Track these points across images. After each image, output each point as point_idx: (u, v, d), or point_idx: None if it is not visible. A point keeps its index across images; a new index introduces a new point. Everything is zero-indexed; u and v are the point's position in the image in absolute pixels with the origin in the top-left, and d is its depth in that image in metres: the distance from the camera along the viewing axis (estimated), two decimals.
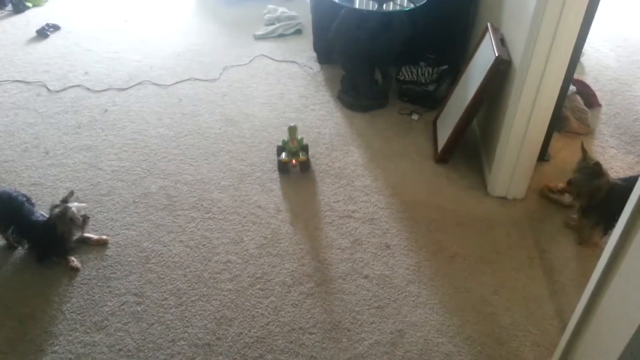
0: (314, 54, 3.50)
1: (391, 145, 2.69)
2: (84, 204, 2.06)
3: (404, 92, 3.04)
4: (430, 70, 3.05)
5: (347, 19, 2.82)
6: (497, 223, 2.23)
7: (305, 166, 2.51)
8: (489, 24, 2.48)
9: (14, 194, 2.02)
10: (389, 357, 1.72)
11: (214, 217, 2.26)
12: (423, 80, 3.02)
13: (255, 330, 1.79)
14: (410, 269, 2.02)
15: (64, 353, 1.69)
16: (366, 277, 1.99)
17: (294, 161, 2.47)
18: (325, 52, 3.37)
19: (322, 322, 1.82)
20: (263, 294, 1.92)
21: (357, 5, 2.73)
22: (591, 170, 2.00)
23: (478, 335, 1.79)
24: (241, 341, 1.75)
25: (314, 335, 1.78)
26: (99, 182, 2.44)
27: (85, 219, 2.01)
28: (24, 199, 2.03)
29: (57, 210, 1.93)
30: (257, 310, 1.86)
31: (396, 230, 2.19)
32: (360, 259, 2.06)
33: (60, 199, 2.00)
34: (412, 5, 2.67)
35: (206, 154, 2.64)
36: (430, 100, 2.98)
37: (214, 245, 2.12)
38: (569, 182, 2.09)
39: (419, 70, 3.04)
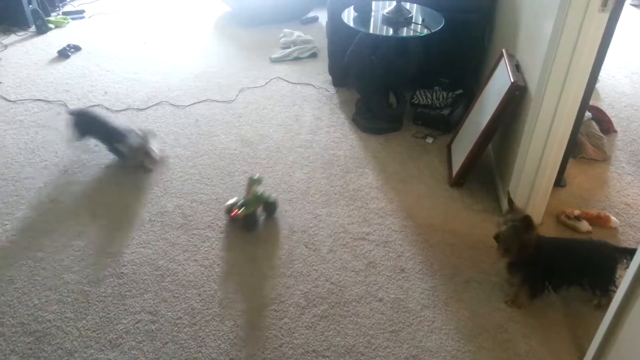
0: (329, 77, 3.55)
1: (406, 168, 2.70)
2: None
3: (419, 116, 3.06)
4: (444, 94, 3.07)
5: (363, 44, 2.87)
6: None
7: (249, 224, 2.28)
8: (504, 50, 2.51)
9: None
10: None
11: (228, 237, 2.27)
12: (437, 104, 3.05)
13: (268, 352, 1.78)
14: (425, 293, 2.01)
15: None
16: (380, 300, 1.98)
17: (234, 211, 2.27)
18: (341, 76, 3.42)
19: (335, 346, 1.81)
20: (277, 315, 1.92)
21: (372, 30, 2.77)
22: (520, 223, 1.79)
23: None
24: None
25: (327, 359, 1.77)
26: (115, 200, 2.47)
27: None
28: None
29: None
30: (270, 331, 1.86)
31: (411, 253, 2.19)
32: (375, 282, 2.05)
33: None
34: (427, 31, 2.71)
35: (222, 174, 2.67)
36: (444, 124, 2.99)
37: (229, 265, 2.13)
38: (496, 237, 1.84)
39: (434, 94, 3.06)
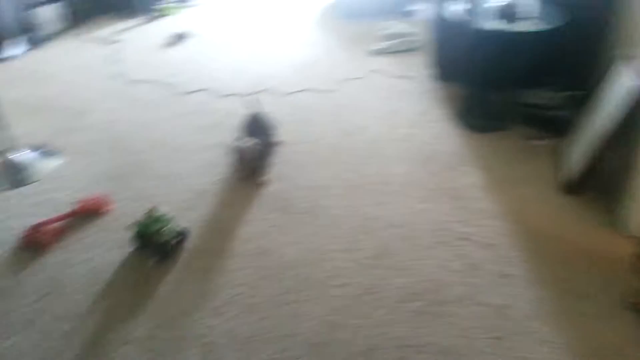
0: (432, 71, 3.46)
1: (513, 171, 2.57)
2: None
3: (530, 116, 2.90)
4: (558, 94, 2.89)
5: (473, 38, 2.76)
6: (636, 268, 2.03)
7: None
8: (628, 51, 2.31)
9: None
10: None
11: (326, 223, 2.29)
12: (550, 105, 2.87)
13: (361, 340, 1.77)
14: (531, 303, 1.90)
15: (186, 332, 1.79)
16: (481, 304, 1.90)
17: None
18: (445, 70, 3.33)
19: (432, 344, 1.76)
20: (373, 305, 1.90)
21: (485, 25, 2.67)
22: None
23: None
24: (350, 348, 1.74)
25: (423, 355, 1.73)
26: (221, 178, 2.57)
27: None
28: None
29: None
30: (366, 320, 1.84)
31: (517, 259, 2.08)
32: (476, 285, 1.97)
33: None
34: (544, 26, 2.55)
35: (321, 162, 2.69)
36: (556, 126, 2.81)
37: (325, 251, 2.15)
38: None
39: (547, 94, 2.89)
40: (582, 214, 2.29)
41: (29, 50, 4.02)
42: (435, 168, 2.62)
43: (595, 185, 2.40)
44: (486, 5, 2.81)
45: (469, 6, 2.79)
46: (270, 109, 3.16)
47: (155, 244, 2.06)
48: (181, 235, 2.14)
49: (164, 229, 2.08)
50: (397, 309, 1.88)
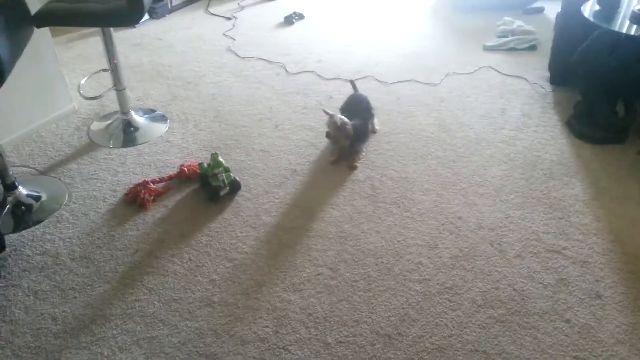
0: (547, 74, 3.27)
1: (623, 187, 2.38)
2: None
3: None
4: None
5: (601, 41, 2.57)
6: None
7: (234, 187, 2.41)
8: None
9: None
10: None
11: (412, 217, 2.28)
12: None
13: (436, 338, 1.77)
14: (621, 327, 1.78)
15: (264, 302, 1.89)
16: (567, 321, 1.81)
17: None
18: (563, 73, 3.13)
19: (509, 354, 1.71)
20: (450, 306, 1.88)
21: (614, 27, 2.46)
22: None
23: None
24: (421, 344, 1.75)
25: None
26: (315, 160, 2.64)
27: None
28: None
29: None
30: (441, 319, 1.83)
31: (612, 281, 1.94)
32: (564, 301, 1.88)
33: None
34: None
35: (415, 154, 2.67)
36: None
37: (408, 244, 2.14)
38: None
39: None
40: None
41: (152, 19, 4.36)
42: (536, 175, 2.49)
43: None
44: (623, 9, 2.59)
45: (602, 7, 2.58)
46: (372, 96, 3.19)
47: (209, 186, 2.33)
48: (233, 185, 2.37)
49: (219, 175, 2.31)
50: (475, 313, 1.85)
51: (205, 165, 2.40)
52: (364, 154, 2.65)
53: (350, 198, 2.39)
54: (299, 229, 2.22)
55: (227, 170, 2.36)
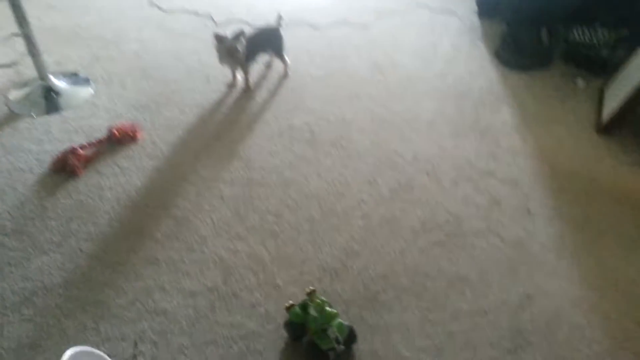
0: (475, 7, 3.31)
1: (548, 110, 2.50)
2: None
3: (572, 55, 2.77)
4: (606, 32, 2.72)
5: None
6: None
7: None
8: None
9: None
10: (513, 318, 1.66)
11: (351, 156, 2.31)
12: (596, 44, 2.72)
13: (380, 267, 1.84)
14: (550, 238, 1.91)
15: (210, 254, 1.89)
16: (500, 238, 1.92)
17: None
18: (490, 6, 3.18)
19: (447, 273, 1.81)
20: (392, 236, 1.95)
21: None
22: None
23: (618, 315, 1.66)
24: (366, 274, 1.81)
25: (437, 283, 1.78)
26: (251, 110, 2.60)
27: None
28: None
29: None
30: (384, 249, 1.90)
31: (540, 196, 2.06)
32: (497, 220, 1.98)
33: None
34: None
35: (350, 96, 2.68)
36: (600, 66, 2.68)
37: (349, 183, 2.18)
38: None
39: (594, 32, 2.73)
40: (614, 154, 2.23)
41: None
42: (467, 105, 2.56)
43: (632, 126, 2.32)
44: None
45: None
46: (306, 41, 3.14)
47: (313, 348, 1.52)
48: (349, 339, 1.56)
49: (330, 332, 1.50)
50: (415, 240, 1.92)
51: (298, 309, 1.58)
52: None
53: (289, 144, 2.39)
54: (240, 180, 2.20)
55: (334, 316, 1.54)
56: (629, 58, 2.44)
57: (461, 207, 2.04)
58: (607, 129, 2.30)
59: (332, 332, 1.49)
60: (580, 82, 2.65)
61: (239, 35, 2.51)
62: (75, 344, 1.57)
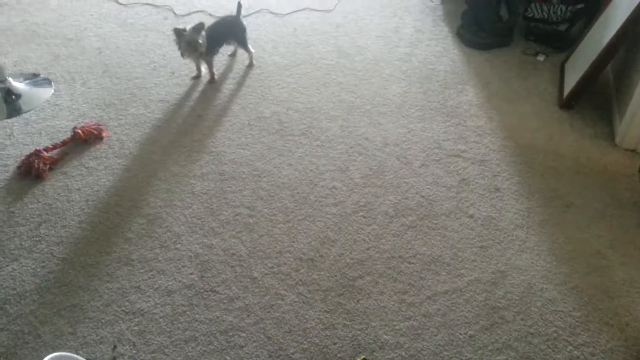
0: None
1: (511, 87, 2.54)
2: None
3: (531, 31, 2.82)
4: (563, 8, 2.78)
5: None
6: (622, 177, 2.06)
7: None
8: None
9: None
10: (487, 295, 1.71)
11: (322, 144, 2.32)
12: (554, 19, 2.77)
13: (356, 253, 1.86)
14: (519, 213, 1.96)
15: (185, 251, 1.88)
16: (471, 216, 1.96)
17: None
18: None
19: (421, 255, 1.84)
20: (365, 222, 1.97)
21: None
22: None
23: (586, 286, 1.72)
24: (342, 261, 1.83)
25: (412, 265, 1.81)
26: (218, 103, 2.58)
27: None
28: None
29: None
30: (358, 235, 1.92)
31: (508, 173, 2.11)
32: (466, 199, 2.03)
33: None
34: None
35: (317, 84, 2.68)
36: (559, 41, 2.74)
37: (321, 171, 2.19)
38: None
39: (551, 7, 2.78)
40: (577, 128, 2.29)
41: None
42: (433, 87, 2.59)
43: (592, 99, 2.38)
44: None
45: None
46: (269, 29, 3.11)
47: None
48: None
49: None
50: (388, 224, 1.95)
51: None
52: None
53: (259, 136, 2.38)
54: (211, 174, 2.19)
55: None
56: (586, 32, 2.50)
57: (432, 189, 2.07)
58: (569, 103, 2.36)
59: None
60: (541, 58, 2.71)
61: (199, 27, 2.47)
62: (53, 350, 1.56)
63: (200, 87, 2.67)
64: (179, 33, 2.46)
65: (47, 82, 2.73)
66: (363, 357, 1.58)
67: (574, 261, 1.79)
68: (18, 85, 2.66)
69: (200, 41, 2.47)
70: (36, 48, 3.02)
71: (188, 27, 2.46)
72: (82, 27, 3.21)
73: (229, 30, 2.71)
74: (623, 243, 1.83)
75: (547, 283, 1.73)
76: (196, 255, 1.86)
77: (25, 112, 2.53)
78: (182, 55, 2.52)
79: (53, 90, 2.67)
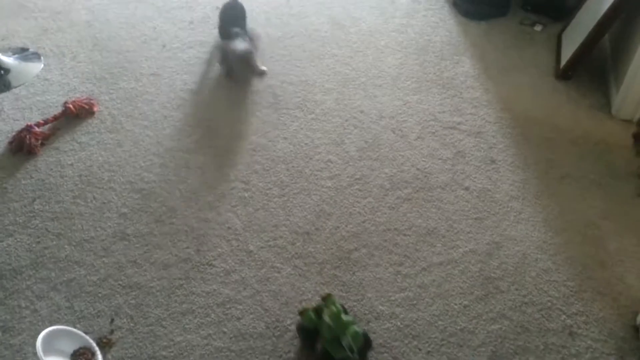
0: None
1: (508, 58, 2.51)
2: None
3: (528, 1, 2.77)
4: None
5: None
6: (617, 147, 2.06)
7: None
8: None
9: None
10: (482, 266, 1.72)
11: (316, 118, 2.30)
12: None
13: (351, 226, 1.86)
14: (514, 185, 1.96)
15: (181, 225, 1.88)
16: (467, 189, 1.96)
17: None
18: None
19: (417, 227, 1.85)
20: (361, 194, 1.97)
21: None
22: None
23: (580, 256, 1.73)
24: (338, 234, 1.84)
25: (408, 237, 1.82)
26: (211, 76, 2.54)
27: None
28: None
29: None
30: (354, 208, 1.92)
31: (504, 145, 2.10)
32: (462, 171, 2.02)
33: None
34: None
35: (312, 56, 2.63)
36: (557, 11, 2.69)
37: (316, 144, 2.17)
38: (636, 135, 1.99)
39: None
40: (574, 98, 2.28)
41: None
42: (429, 58, 2.56)
43: (589, 70, 2.36)
44: None
45: None
46: (261, 1, 3.04)
47: (328, 356, 1.43)
48: (364, 347, 1.50)
49: (344, 340, 1.42)
50: (384, 197, 1.95)
51: (311, 313, 1.49)
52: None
53: (253, 109, 2.35)
54: (205, 149, 2.17)
55: (349, 324, 1.46)
56: (583, 2, 2.46)
57: (428, 161, 2.07)
58: (565, 74, 2.34)
59: (347, 341, 1.40)
60: (539, 28, 2.67)
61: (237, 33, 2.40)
62: (51, 324, 1.56)
63: (191, 61, 2.63)
64: (224, 49, 2.38)
65: (36, 56, 2.67)
66: (327, 292, 1.54)
67: (568, 232, 1.80)
68: (6, 60, 2.60)
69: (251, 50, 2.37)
70: (24, 22, 2.95)
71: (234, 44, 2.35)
72: (71, 0, 3.13)
73: (236, 13, 2.61)
74: (617, 214, 1.84)
75: (541, 253, 1.74)
76: (192, 229, 1.86)
77: (15, 87, 2.49)
78: (228, 74, 2.46)
79: (42, 65, 2.62)
